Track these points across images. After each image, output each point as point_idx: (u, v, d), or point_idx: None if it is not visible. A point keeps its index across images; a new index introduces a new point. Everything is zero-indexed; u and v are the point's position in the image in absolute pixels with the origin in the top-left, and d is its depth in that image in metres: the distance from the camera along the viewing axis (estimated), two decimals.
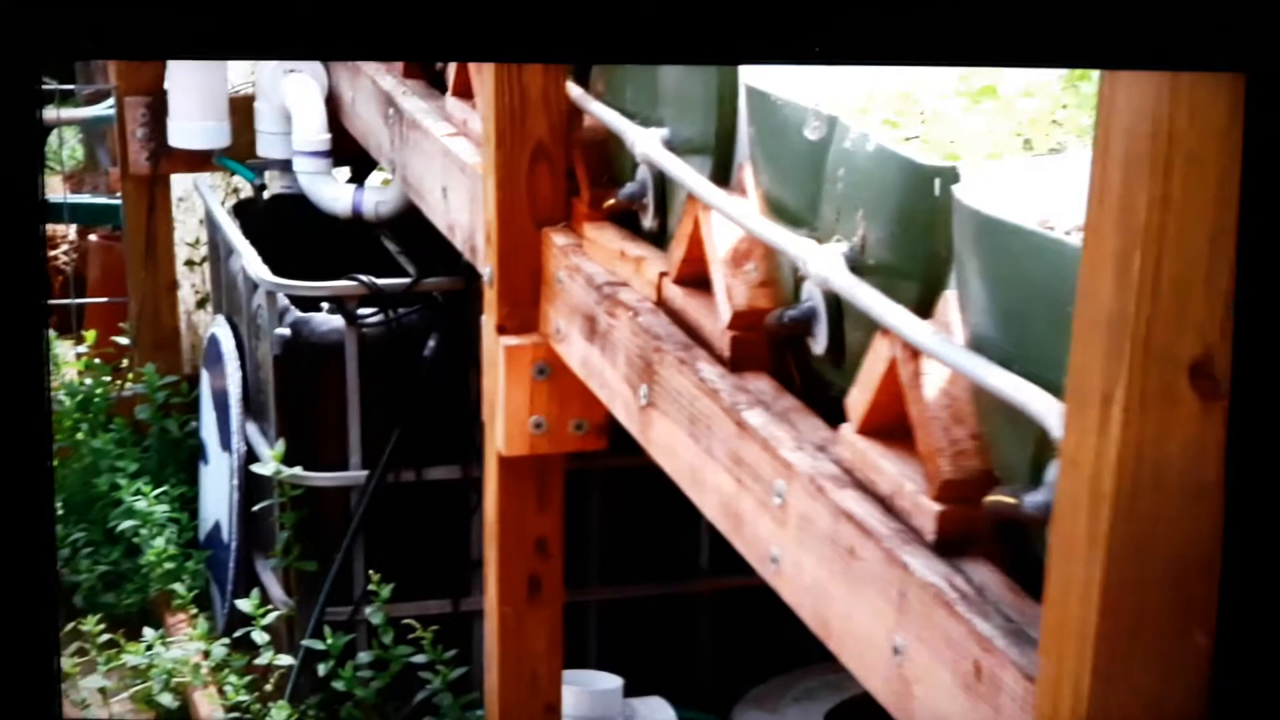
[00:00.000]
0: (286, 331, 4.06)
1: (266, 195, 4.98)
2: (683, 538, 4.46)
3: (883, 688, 1.95)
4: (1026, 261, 1.69)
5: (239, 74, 5.06)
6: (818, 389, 2.30)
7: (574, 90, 2.88)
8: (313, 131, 4.55)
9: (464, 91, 3.54)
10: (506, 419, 3.10)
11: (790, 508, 2.14)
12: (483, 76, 3.02)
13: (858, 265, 2.06)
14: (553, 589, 3.37)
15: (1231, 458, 1.24)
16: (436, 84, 3.88)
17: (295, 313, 4.09)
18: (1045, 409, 1.62)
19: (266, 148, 4.78)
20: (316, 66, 4.54)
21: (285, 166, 4.74)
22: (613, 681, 3.98)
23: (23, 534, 1.37)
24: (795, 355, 2.35)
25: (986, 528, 1.87)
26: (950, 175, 1.87)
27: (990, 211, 1.75)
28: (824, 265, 2.07)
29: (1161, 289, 1.33)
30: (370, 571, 3.99)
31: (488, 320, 3.10)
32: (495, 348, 3.07)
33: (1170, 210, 1.31)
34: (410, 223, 4.27)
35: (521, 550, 3.30)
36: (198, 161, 5.03)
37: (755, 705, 4.57)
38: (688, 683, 4.50)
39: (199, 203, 5.28)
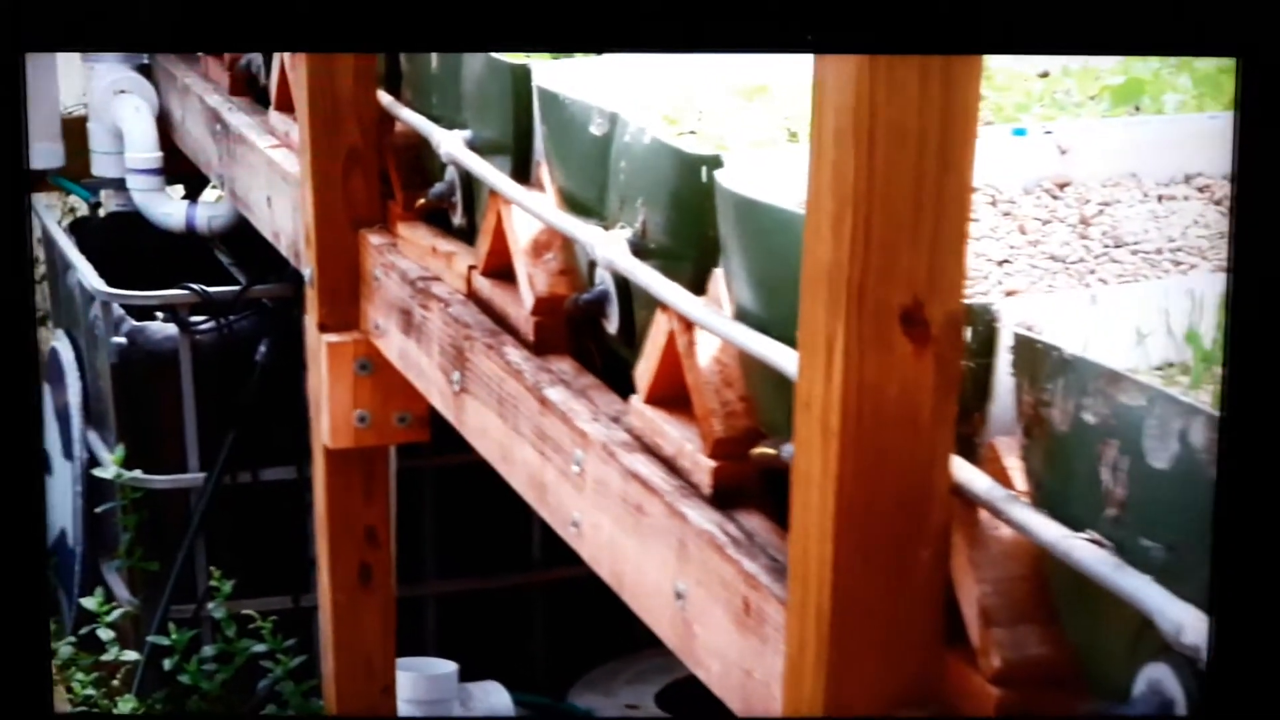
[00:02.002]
0: (123, 340, 4.14)
1: (103, 213, 5.05)
2: (515, 532, 4.59)
3: (669, 631, 2.10)
4: (776, 236, 1.85)
5: (71, 95, 5.12)
6: (615, 366, 2.45)
7: (384, 98, 3.01)
8: (144, 150, 4.63)
9: (286, 105, 3.65)
10: (331, 413, 3.22)
11: (587, 474, 2.29)
12: (299, 87, 3.14)
13: (640, 249, 2.21)
14: (383, 576, 3.49)
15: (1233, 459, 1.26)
16: (261, 100, 3.99)
17: (131, 322, 4.17)
18: (793, 365, 1.78)
19: (101, 167, 4.84)
20: (146, 86, 4.63)
21: (120, 185, 4.81)
22: (447, 666, 4.10)
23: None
24: (594, 336, 2.50)
25: (754, 479, 2.03)
26: (715, 163, 2.03)
27: (744, 193, 1.91)
28: (609, 250, 2.23)
29: (872, 246, 1.50)
30: (212, 569, 4.08)
31: (310, 319, 3.22)
32: (318, 345, 3.19)
33: (875, 175, 1.47)
34: (243, 235, 4.37)
35: (351, 540, 3.42)
36: (33, 182, 5.08)
37: (589, 688, 4.71)
38: (525, 670, 4.62)
39: (35, 222, 5.33)
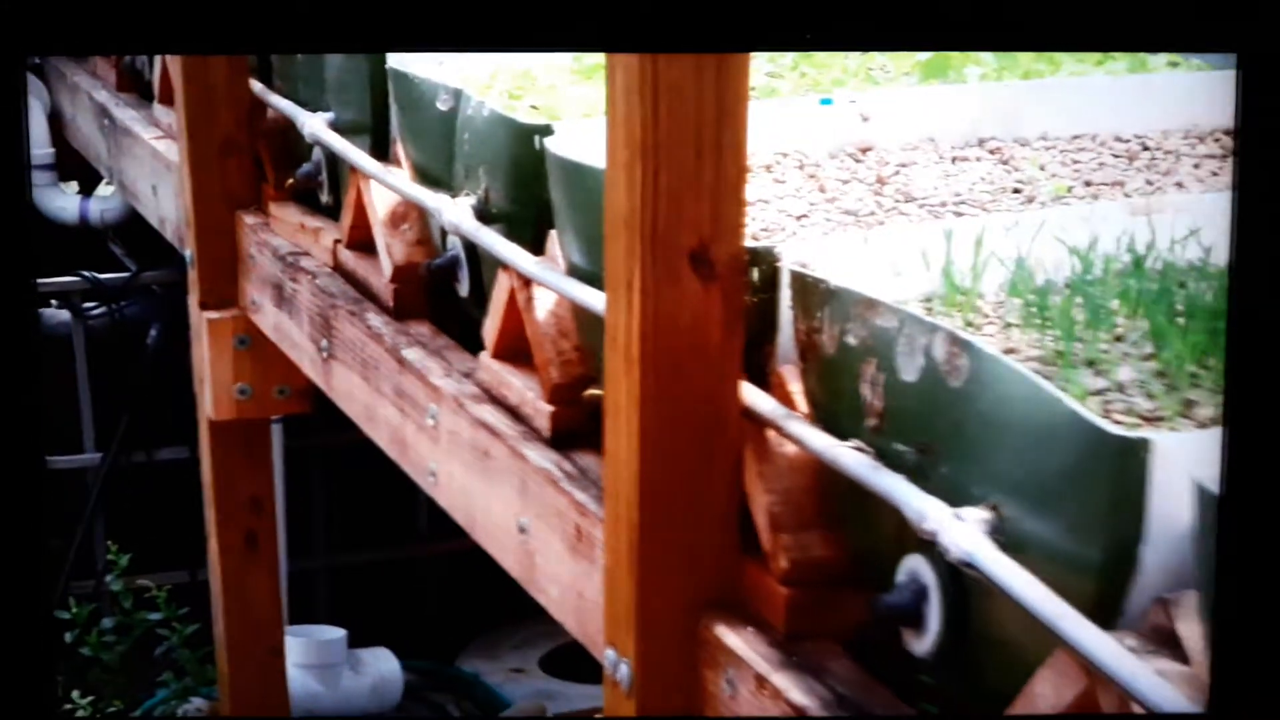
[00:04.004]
0: None
1: None
2: (403, 506, 4.73)
3: (514, 564, 2.25)
4: (597, 195, 2.00)
5: None
6: (470, 327, 2.59)
7: (256, 85, 3.15)
8: (37, 146, 4.73)
9: (168, 98, 3.77)
10: (214, 387, 3.35)
11: (441, 426, 2.43)
12: (176, 80, 3.26)
13: (483, 214, 2.36)
14: (269, 543, 3.62)
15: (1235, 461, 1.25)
16: (147, 95, 4.10)
17: None
18: None
19: None
20: (38, 85, 4.73)
21: None
22: (336, 633, 4.23)
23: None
24: (452, 301, 2.65)
25: (589, 419, 2.18)
26: (546, 131, 2.19)
27: (570, 156, 2.06)
28: (455, 216, 2.38)
29: (660, 194, 1.66)
30: (110, 543, 4.19)
31: (192, 299, 3.34)
32: (200, 322, 3.32)
33: (660, 129, 1.63)
34: (135, 226, 4.48)
35: (237, 508, 3.55)
36: None
37: (476, 654, 4.86)
38: (416, 638, 4.76)
39: None
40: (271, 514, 3.62)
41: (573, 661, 4.59)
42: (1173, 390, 1.50)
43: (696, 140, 1.65)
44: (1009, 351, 1.58)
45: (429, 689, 4.49)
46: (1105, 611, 1.35)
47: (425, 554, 4.85)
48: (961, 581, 1.51)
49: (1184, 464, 1.30)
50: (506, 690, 4.55)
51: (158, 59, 3.86)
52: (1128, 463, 1.31)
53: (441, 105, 2.45)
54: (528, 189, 2.26)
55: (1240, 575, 1.18)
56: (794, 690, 1.65)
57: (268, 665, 3.68)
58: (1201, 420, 1.45)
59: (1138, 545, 1.33)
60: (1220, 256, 1.73)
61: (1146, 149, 2.39)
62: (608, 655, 1.86)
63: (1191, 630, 1.32)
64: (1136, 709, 1.28)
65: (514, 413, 2.31)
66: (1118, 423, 1.41)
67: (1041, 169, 2.26)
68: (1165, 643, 1.34)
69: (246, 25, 1.38)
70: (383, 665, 4.36)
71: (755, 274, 1.77)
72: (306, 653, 4.13)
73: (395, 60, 2.60)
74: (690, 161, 1.65)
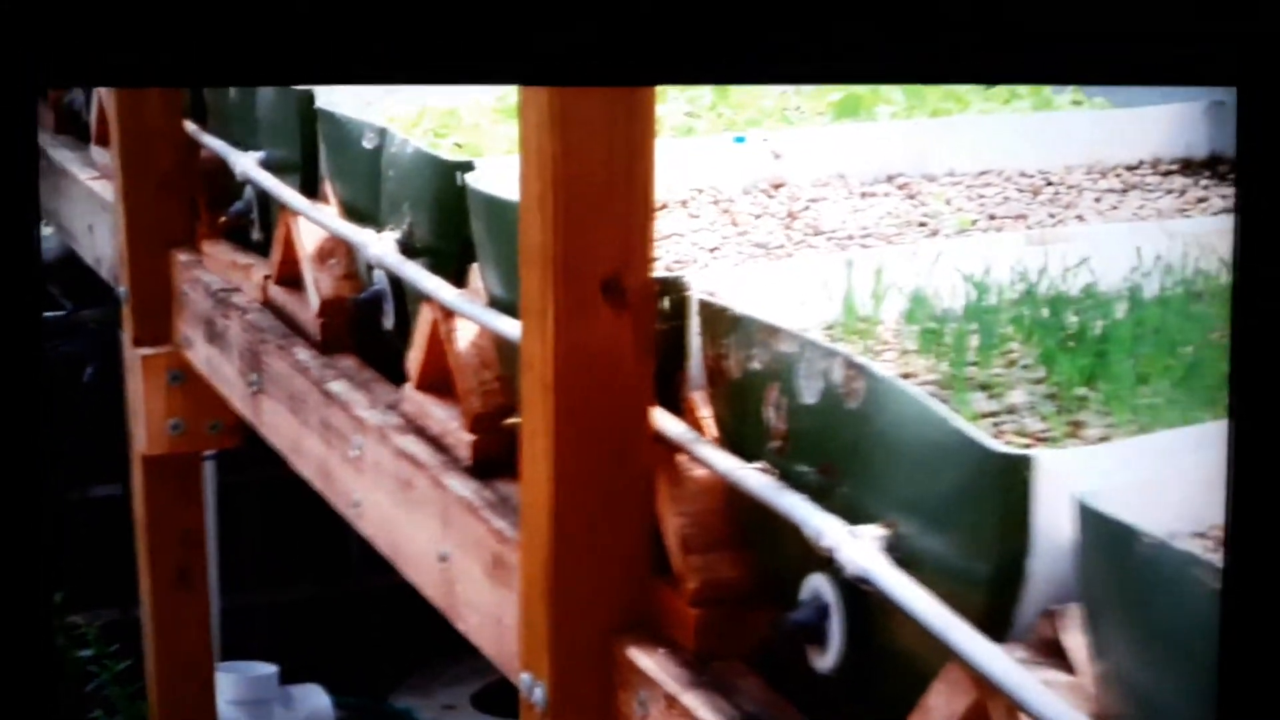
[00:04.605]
0: None
1: None
2: (335, 541, 4.73)
3: (435, 592, 2.27)
4: (514, 228, 2.03)
5: None
6: (396, 360, 2.62)
7: (190, 125, 3.17)
8: None
9: (105, 140, 3.79)
10: (147, 422, 3.36)
11: (366, 457, 2.46)
12: (112, 121, 3.28)
13: (407, 248, 2.39)
14: (200, 578, 3.62)
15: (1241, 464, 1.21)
16: (84, 136, 4.11)
17: None
18: None
19: None
20: None
21: None
22: (268, 669, 4.23)
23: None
24: (378, 334, 2.67)
25: (509, 448, 2.21)
26: (467, 167, 2.22)
27: (489, 191, 2.10)
28: (380, 250, 2.40)
29: (572, 225, 1.69)
30: None
31: (126, 335, 3.35)
32: (133, 359, 3.33)
33: (570, 162, 1.67)
34: (71, 266, 4.48)
35: (169, 543, 3.55)
36: None
37: (410, 690, 4.87)
38: (349, 675, 4.76)
39: None
40: (203, 549, 3.62)
41: (504, 697, 4.59)
42: (1063, 411, 1.54)
43: (606, 174, 1.68)
44: (907, 376, 1.62)
45: None
46: (995, 624, 1.39)
47: (358, 590, 4.85)
48: (861, 598, 1.54)
49: (1066, 480, 1.34)
50: None
51: (94, 100, 3.87)
52: (1012, 479, 1.35)
53: (367, 144, 2.48)
54: (450, 224, 2.29)
55: (1246, 588, 1.16)
56: (703, 709, 1.67)
57: (198, 701, 3.67)
58: (1089, 439, 1.49)
59: (1024, 559, 1.37)
60: (1109, 283, 1.78)
61: (1050, 184, 2.44)
62: (523, 679, 1.88)
63: (1076, 641, 1.35)
64: (1024, 719, 1.32)
65: (436, 443, 2.33)
66: (1008, 443, 1.45)
67: (947, 203, 2.31)
68: (1052, 654, 1.37)
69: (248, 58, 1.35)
70: (314, 701, 4.36)
71: (666, 303, 1.81)
72: (238, 688, 4.12)
73: (324, 100, 2.63)
74: (600, 194, 1.69)
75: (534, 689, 1.85)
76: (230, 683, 4.09)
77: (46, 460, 1.39)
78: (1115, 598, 1.27)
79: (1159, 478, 1.39)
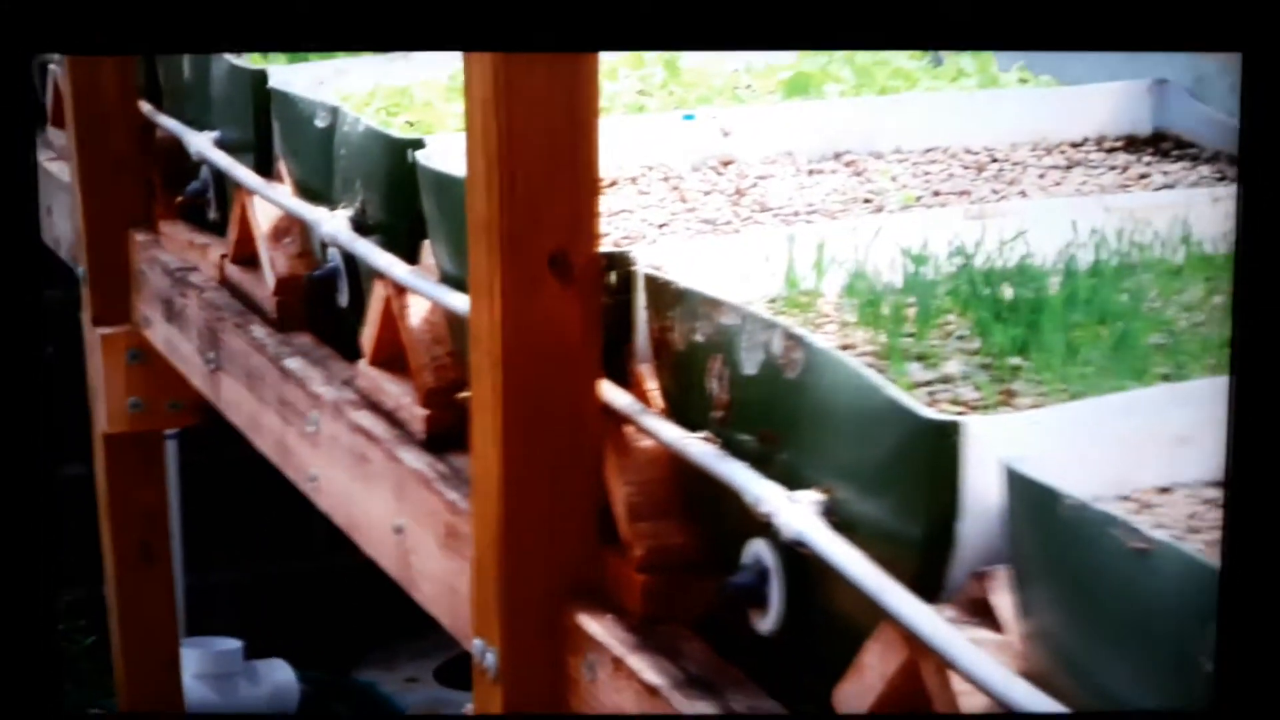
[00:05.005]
0: None
1: None
2: (300, 518, 4.75)
3: (392, 564, 2.30)
4: (463, 205, 2.06)
5: None
6: (351, 336, 2.64)
7: (145, 106, 3.18)
8: None
9: (61, 121, 3.79)
10: (107, 401, 3.38)
11: (322, 433, 2.48)
12: (67, 101, 3.29)
13: (360, 226, 2.41)
14: (163, 554, 3.64)
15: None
16: (40, 118, 4.11)
17: None
18: None
19: None
20: None
21: None
22: (233, 644, 4.26)
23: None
24: (333, 311, 2.70)
25: (462, 422, 2.23)
26: (417, 144, 2.25)
27: (438, 168, 2.12)
28: (333, 227, 2.43)
29: (518, 200, 1.72)
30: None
31: (85, 315, 3.37)
32: (93, 338, 3.35)
33: (515, 138, 1.70)
34: None
35: (131, 520, 3.57)
36: None
37: (374, 664, 4.89)
38: (314, 650, 4.79)
39: None
40: (165, 526, 3.64)
41: (466, 671, 4.62)
42: (996, 380, 1.58)
43: (551, 150, 1.71)
44: (846, 348, 1.66)
45: (324, 698, 4.51)
46: (927, 585, 1.42)
47: (322, 566, 4.88)
48: (800, 562, 1.58)
49: (994, 446, 1.38)
50: (401, 699, 4.58)
51: (49, 82, 3.88)
52: (942, 445, 1.38)
53: (320, 122, 2.50)
54: (402, 201, 2.31)
55: (1245, 573, 1.17)
56: (648, 671, 1.71)
57: (164, 676, 3.70)
58: (1021, 408, 1.53)
59: (954, 523, 1.40)
60: (1045, 257, 1.81)
61: (995, 160, 2.48)
62: (475, 644, 1.91)
63: (1004, 601, 1.39)
64: (954, 676, 1.36)
65: (391, 417, 2.36)
66: (942, 411, 1.49)
67: (893, 180, 2.34)
68: (981, 613, 1.41)
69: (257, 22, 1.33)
70: (278, 675, 4.39)
71: (613, 278, 1.83)
72: (202, 663, 4.15)
73: (277, 80, 2.65)
74: (546, 170, 1.72)
75: (486, 654, 1.88)
76: (195, 658, 4.11)
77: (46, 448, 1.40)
78: (1039, 558, 1.31)
79: (1086, 443, 1.43)
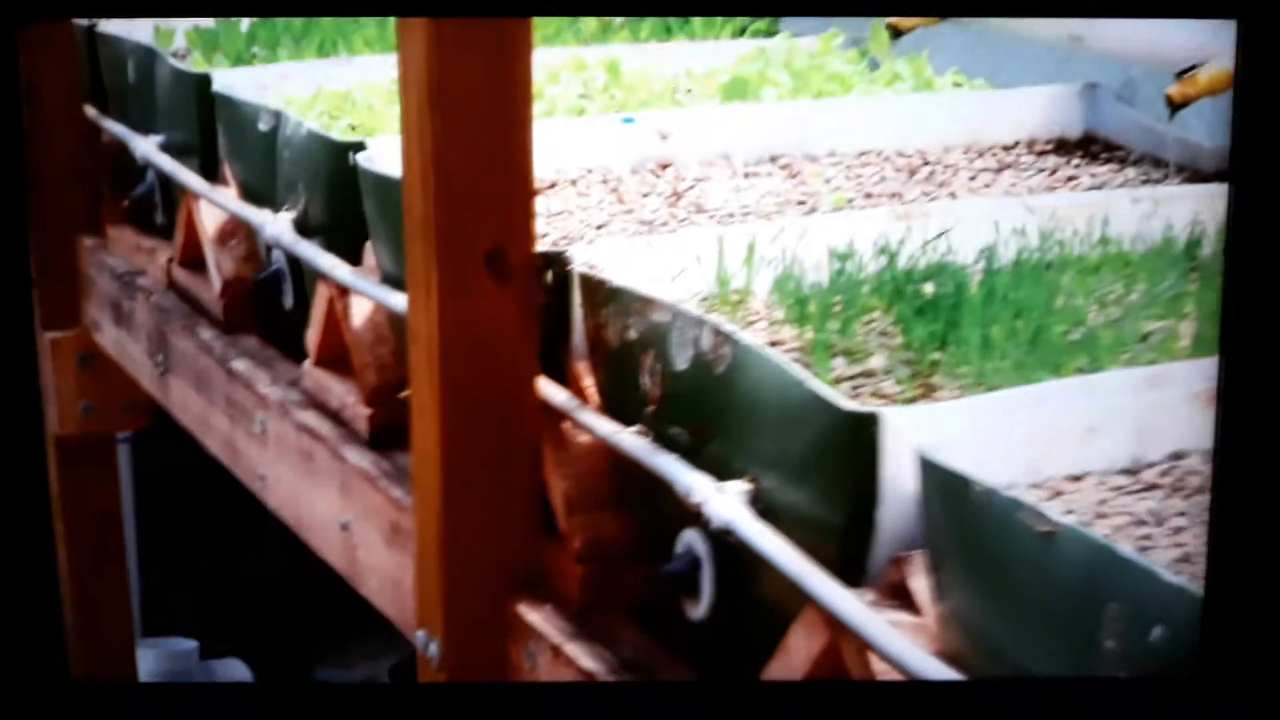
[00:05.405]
0: None
1: None
2: (253, 518, 4.77)
3: (339, 560, 2.33)
4: (400, 205, 2.10)
5: None
6: (297, 337, 2.68)
7: (90, 111, 3.21)
8: None
9: None
10: (59, 405, 3.40)
11: (269, 433, 2.51)
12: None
13: (304, 228, 2.45)
14: (118, 556, 3.67)
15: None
16: None
17: None
18: None
19: None
20: None
21: None
22: (188, 644, 4.28)
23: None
24: (279, 313, 2.73)
25: (405, 420, 2.27)
26: (358, 147, 2.28)
27: (378, 170, 2.16)
28: (276, 229, 2.46)
29: (453, 200, 1.76)
30: None
31: (36, 320, 3.39)
32: (43, 342, 3.37)
33: (449, 138, 1.74)
34: None
35: (85, 522, 3.59)
36: None
37: (329, 664, 4.92)
38: (269, 648, 4.81)
39: None
40: (119, 527, 3.67)
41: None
42: (917, 375, 1.63)
43: (485, 150, 1.76)
44: (775, 344, 1.71)
45: None
46: (849, 570, 1.47)
47: (277, 565, 4.90)
48: (731, 551, 1.62)
49: (910, 435, 1.43)
50: None
51: None
52: (860, 435, 1.43)
53: (263, 126, 2.53)
54: (344, 202, 2.35)
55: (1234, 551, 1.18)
56: (585, 658, 1.75)
57: (120, 675, 3.71)
58: (940, 400, 1.58)
59: (873, 510, 1.45)
60: (967, 255, 1.87)
61: (927, 163, 2.53)
62: (419, 636, 1.95)
63: (921, 585, 1.44)
64: (873, 656, 1.40)
65: (335, 417, 2.39)
66: (864, 404, 1.54)
67: (826, 182, 2.39)
68: (900, 597, 1.46)
69: None
70: (234, 675, 4.41)
71: (549, 277, 1.88)
72: (159, 663, 4.17)
73: (220, 84, 2.68)
74: (480, 170, 1.76)
75: (429, 645, 1.92)
76: (151, 657, 4.13)
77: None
78: (952, 543, 1.36)
79: (1000, 433, 1.48)
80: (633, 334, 1.75)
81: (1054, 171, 2.55)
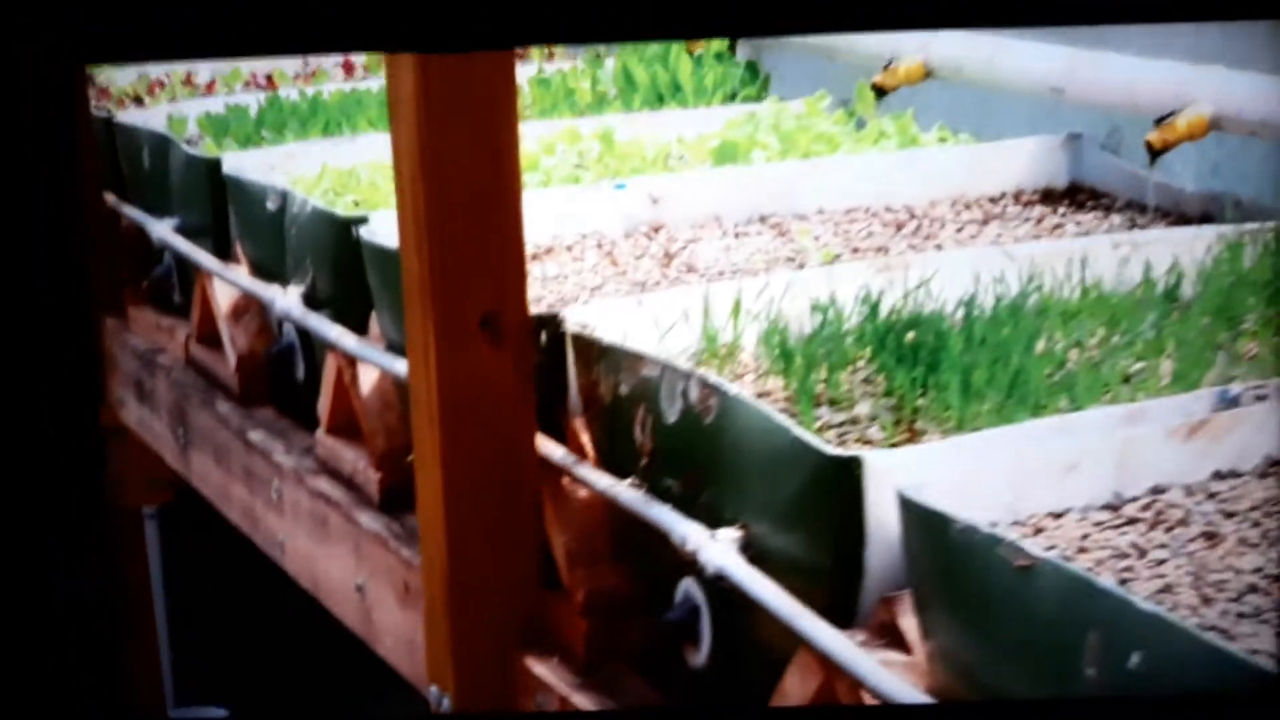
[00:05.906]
0: None
1: None
2: (280, 584, 4.77)
3: (355, 620, 2.33)
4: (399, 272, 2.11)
5: None
6: (310, 408, 2.68)
7: (110, 197, 3.23)
8: None
9: None
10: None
11: (285, 499, 2.52)
12: None
13: (312, 301, 2.46)
14: (148, 627, 3.67)
15: None
16: None
17: None
18: None
19: None
20: None
21: None
22: (218, 712, 4.27)
23: None
24: (292, 384, 2.74)
25: (412, 482, 2.27)
26: (361, 221, 2.30)
27: (381, 242, 2.17)
28: (286, 304, 2.47)
29: (449, 265, 1.77)
30: None
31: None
32: None
33: (442, 206, 1.75)
34: None
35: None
36: None
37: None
38: (299, 712, 4.78)
39: None
40: (149, 600, 3.67)
41: None
42: (901, 420, 1.63)
43: (477, 218, 1.77)
44: (763, 395, 1.71)
45: None
46: (839, 611, 1.47)
47: (301, 631, 4.88)
48: (727, 598, 1.62)
49: (894, 478, 1.43)
50: None
51: None
52: (844, 479, 1.43)
53: (271, 205, 2.55)
54: (349, 275, 2.36)
55: None
56: (592, 708, 1.75)
57: None
58: (924, 443, 1.57)
59: (860, 551, 1.45)
60: (948, 303, 1.87)
61: (914, 217, 2.54)
62: (431, 692, 1.95)
63: (910, 624, 1.44)
64: (866, 696, 1.40)
65: (348, 482, 2.40)
66: (850, 449, 1.54)
67: (815, 239, 2.40)
68: (890, 636, 1.45)
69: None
70: None
71: (544, 337, 1.88)
72: None
73: (230, 166, 2.70)
74: (473, 237, 1.77)
75: (441, 699, 1.91)
76: None
77: None
78: (935, 580, 1.35)
79: (981, 473, 1.48)
80: (624, 389, 1.75)
81: (1040, 221, 2.54)
